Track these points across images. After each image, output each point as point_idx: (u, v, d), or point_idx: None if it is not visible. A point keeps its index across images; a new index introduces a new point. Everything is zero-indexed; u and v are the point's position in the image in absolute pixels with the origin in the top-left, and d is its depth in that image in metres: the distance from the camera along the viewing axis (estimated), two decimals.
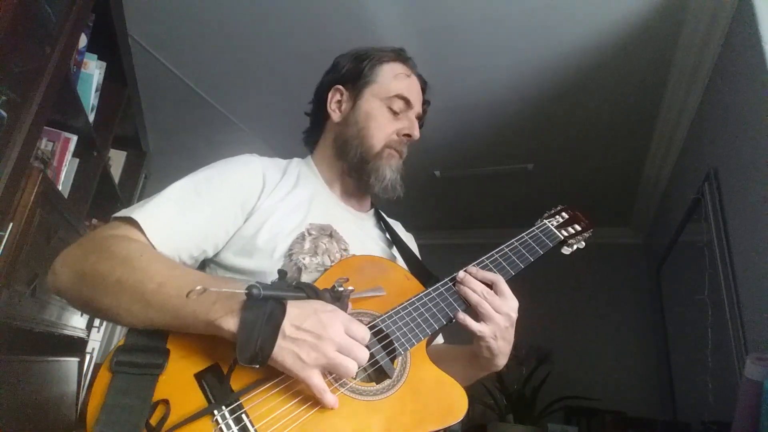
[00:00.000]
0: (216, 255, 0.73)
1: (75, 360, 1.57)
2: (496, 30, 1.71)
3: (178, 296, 0.54)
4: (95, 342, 2.24)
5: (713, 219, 1.57)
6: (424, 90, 0.94)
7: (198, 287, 0.50)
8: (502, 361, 0.71)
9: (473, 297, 0.69)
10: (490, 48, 1.80)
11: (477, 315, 0.69)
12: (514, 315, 0.70)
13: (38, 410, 1.22)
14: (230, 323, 0.51)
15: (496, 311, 0.68)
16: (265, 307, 0.52)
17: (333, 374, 0.56)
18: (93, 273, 0.57)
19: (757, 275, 1.29)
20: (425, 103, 0.95)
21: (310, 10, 1.71)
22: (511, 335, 0.71)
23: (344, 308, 0.60)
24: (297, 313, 0.53)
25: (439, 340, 0.92)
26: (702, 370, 1.71)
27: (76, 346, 1.57)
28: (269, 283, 0.55)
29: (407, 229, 1.02)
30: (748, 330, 1.33)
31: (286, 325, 0.52)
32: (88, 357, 1.80)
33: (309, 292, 0.58)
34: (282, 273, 0.61)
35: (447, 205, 3.32)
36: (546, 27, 1.67)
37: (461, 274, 0.73)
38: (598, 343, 3.06)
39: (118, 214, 0.65)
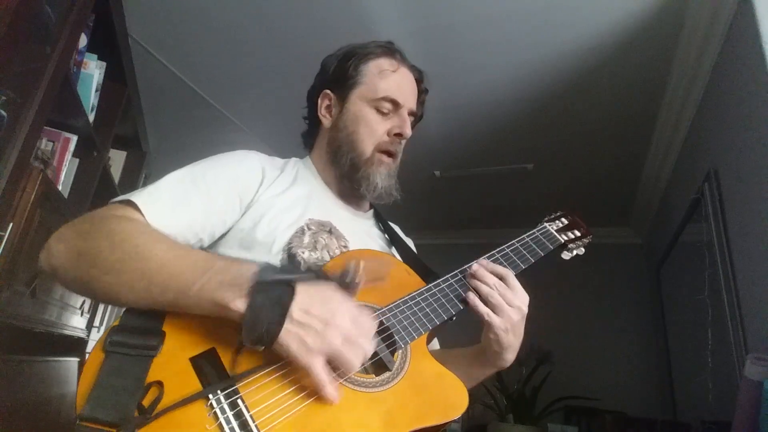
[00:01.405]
0: (212, 247, 0.73)
1: (75, 360, 1.57)
2: (496, 29, 1.71)
3: (181, 275, 0.53)
4: (95, 342, 2.24)
5: (713, 219, 1.57)
6: (419, 80, 0.91)
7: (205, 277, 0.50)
8: (510, 356, 0.71)
9: (484, 288, 0.68)
10: (490, 47, 1.80)
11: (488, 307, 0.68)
12: (525, 309, 0.69)
13: (38, 410, 1.22)
14: (239, 304, 0.50)
15: (508, 304, 0.68)
16: (275, 289, 0.51)
17: (335, 367, 0.56)
18: (93, 251, 0.56)
19: (757, 275, 1.29)
20: (423, 92, 0.92)
21: (310, 9, 1.71)
22: (521, 330, 0.70)
23: (351, 296, 0.60)
24: (306, 298, 0.53)
25: (435, 345, 0.90)
26: (702, 370, 1.71)
27: (76, 346, 1.57)
28: (278, 265, 0.55)
29: (407, 229, 1.01)
30: (748, 330, 1.33)
31: (294, 309, 0.51)
32: (87, 357, 1.80)
33: (319, 273, 0.57)
34: (291, 256, 0.60)
35: (447, 205, 3.32)
36: (546, 26, 1.67)
37: (474, 266, 0.72)
38: (598, 343, 3.06)
39: (115, 199, 0.65)
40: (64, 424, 1.35)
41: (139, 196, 0.64)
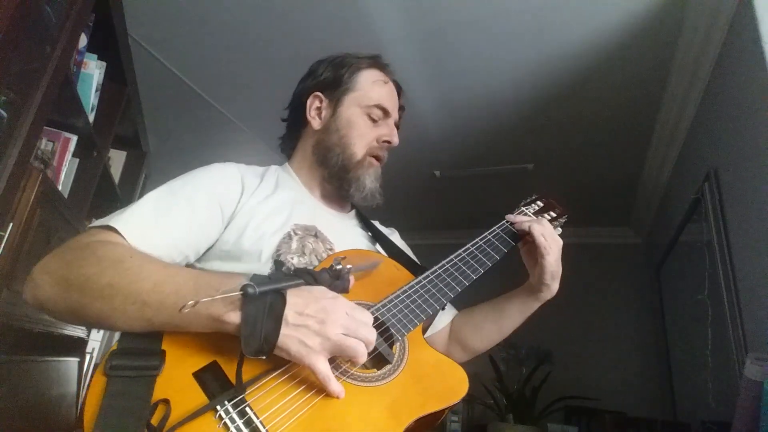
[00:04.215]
0: (200, 261, 0.72)
1: (75, 360, 1.57)
2: (496, 30, 1.71)
3: (176, 293, 0.53)
4: (95, 342, 2.24)
5: (713, 219, 1.57)
6: (399, 95, 0.95)
7: (190, 302, 0.50)
8: (556, 285, 0.82)
9: (537, 227, 0.79)
10: (490, 48, 1.80)
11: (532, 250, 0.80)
12: (561, 242, 0.81)
13: (38, 410, 1.22)
14: (233, 317, 0.51)
15: (552, 238, 0.79)
16: (266, 299, 0.52)
17: (338, 364, 0.56)
18: (80, 278, 0.55)
19: (757, 275, 1.29)
20: (401, 108, 0.96)
21: (311, 10, 1.71)
22: (560, 262, 0.81)
23: (346, 285, 0.61)
24: (298, 301, 0.54)
25: (447, 318, 0.93)
26: (702, 370, 1.71)
27: (76, 346, 1.57)
28: (266, 274, 0.55)
29: (407, 229, 1.02)
30: (748, 330, 1.33)
31: (289, 314, 0.52)
32: (88, 357, 1.80)
33: (307, 277, 0.58)
34: (279, 263, 0.61)
35: (447, 205, 3.32)
36: (546, 27, 1.67)
37: (510, 216, 0.86)
38: (598, 343, 3.06)
39: (95, 224, 0.64)
40: (64, 424, 1.35)
41: (118, 220, 0.62)
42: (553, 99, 2.04)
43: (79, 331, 1.57)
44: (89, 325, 0.69)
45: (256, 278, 0.53)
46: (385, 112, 0.88)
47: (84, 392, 0.51)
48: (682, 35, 1.63)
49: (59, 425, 1.32)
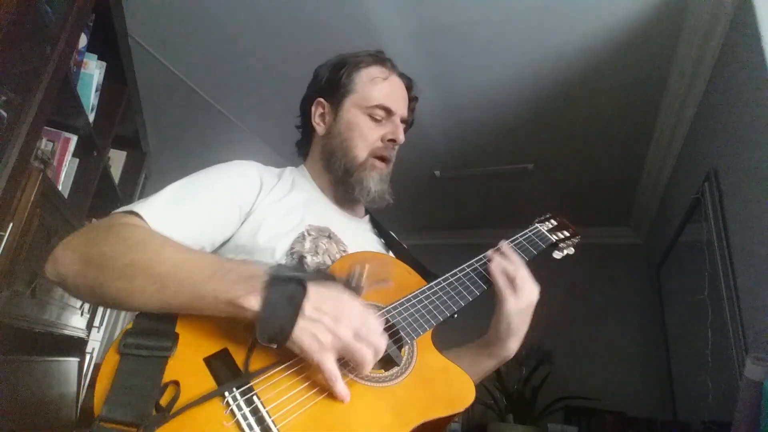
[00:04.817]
0: (215, 253, 0.73)
1: (75, 360, 1.57)
2: (496, 30, 1.71)
3: (195, 275, 0.54)
4: (95, 342, 2.24)
5: (713, 219, 1.57)
6: (409, 88, 0.93)
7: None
8: (514, 345, 0.75)
9: (509, 266, 0.74)
10: (490, 48, 1.80)
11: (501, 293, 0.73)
12: (535, 297, 0.74)
13: (38, 410, 1.22)
14: (252, 302, 0.51)
15: (521, 287, 0.73)
16: (287, 287, 0.52)
17: (346, 362, 0.56)
18: (102, 256, 0.57)
19: (757, 275, 1.29)
20: (413, 100, 0.94)
21: (310, 10, 1.71)
22: (528, 318, 0.74)
23: (358, 293, 0.61)
24: (317, 296, 0.54)
25: None
26: (702, 370, 1.71)
27: (76, 346, 1.57)
28: (288, 265, 0.56)
29: (407, 230, 1.02)
30: (748, 330, 1.33)
31: (307, 306, 0.52)
32: (88, 357, 1.80)
33: (327, 277, 0.59)
34: (300, 259, 0.62)
35: (447, 205, 3.32)
36: (546, 27, 1.67)
37: (494, 251, 0.78)
38: (598, 343, 3.05)
39: (117, 210, 0.66)
40: (64, 424, 1.35)
41: (141, 207, 0.64)
42: (553, 99, 2.03)
43: (79, 331, 1.57)
44: (107, 305, 0.69)
45: (279, 266, 0.54)
46: (388, 111, 0.86)
47: (88, 385, 0.51)
48: (682, 35, 1.63)
49: (59, 425, 1.32)
